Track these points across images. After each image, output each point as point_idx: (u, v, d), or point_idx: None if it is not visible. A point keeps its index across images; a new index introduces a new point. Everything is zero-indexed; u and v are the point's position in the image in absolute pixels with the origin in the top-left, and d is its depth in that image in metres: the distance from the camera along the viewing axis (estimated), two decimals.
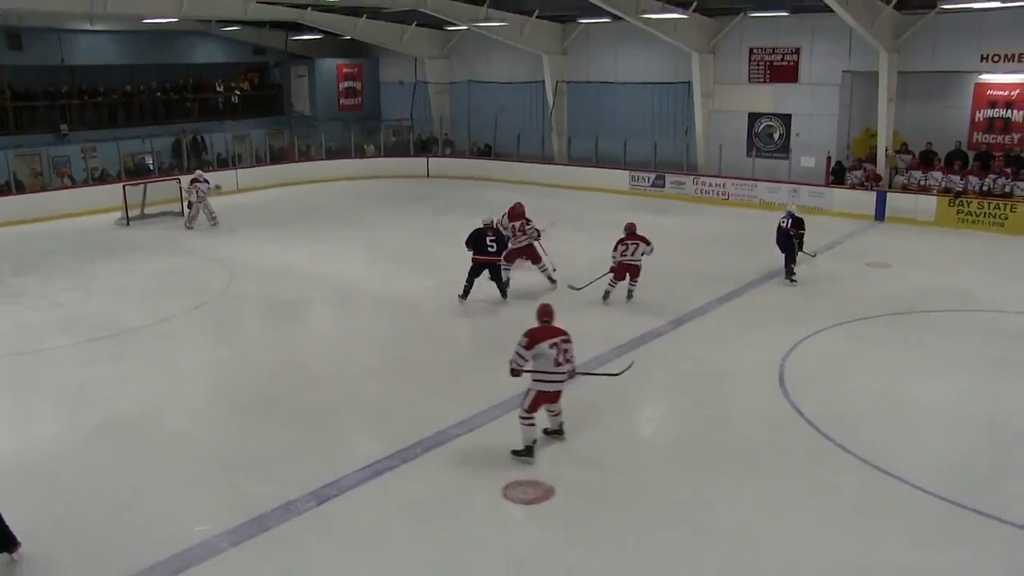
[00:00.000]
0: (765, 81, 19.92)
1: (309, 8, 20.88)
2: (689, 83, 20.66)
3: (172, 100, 24.67)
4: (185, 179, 18.14)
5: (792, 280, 12.89)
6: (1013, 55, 16.67)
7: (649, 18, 17.68)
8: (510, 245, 12.09)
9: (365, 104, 27.48)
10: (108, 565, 5.92)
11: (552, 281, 12.51)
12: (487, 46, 23.59)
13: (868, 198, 17.71)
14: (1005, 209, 16.30)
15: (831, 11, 15.98)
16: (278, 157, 24.09)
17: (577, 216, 17.64)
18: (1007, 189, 16.56)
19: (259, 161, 23.57)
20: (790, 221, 12.98)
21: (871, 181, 18.08)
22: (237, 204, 19.80)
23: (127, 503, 6.73)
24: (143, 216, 18.06)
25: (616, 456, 7.47)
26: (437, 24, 23.35)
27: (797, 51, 19.30)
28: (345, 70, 27.10)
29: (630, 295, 12.00)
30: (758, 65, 19.94)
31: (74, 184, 20.14)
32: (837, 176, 18.63)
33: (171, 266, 14.40)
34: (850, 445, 7.50)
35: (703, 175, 20.38)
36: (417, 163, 24.39)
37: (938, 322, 11.06)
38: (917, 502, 6.63)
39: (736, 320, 11.22)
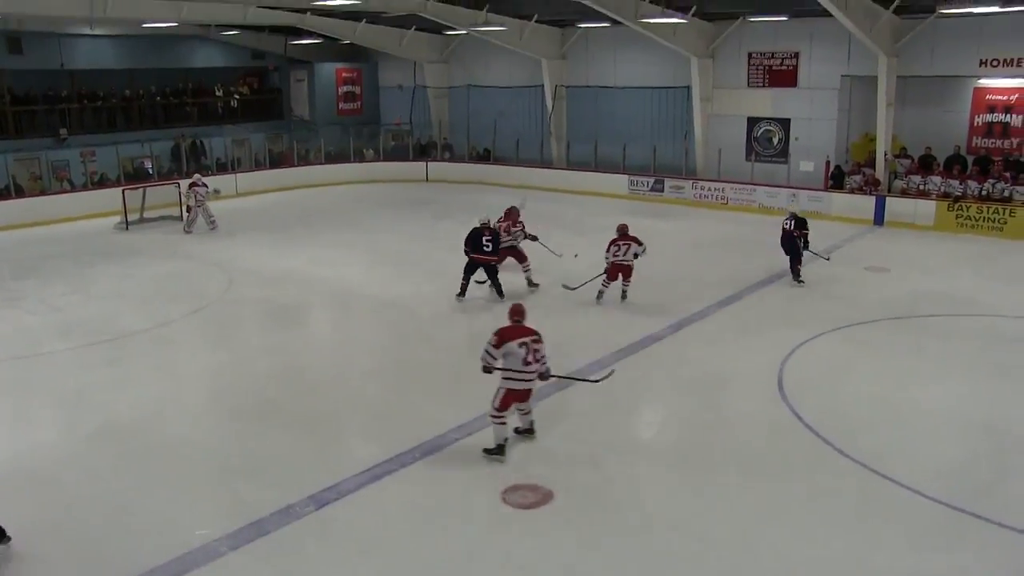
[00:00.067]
0: (764, 85, 19.96)
1: (308, 13, 20.91)
2: (688, 87, 20.70)
3: (171, 104, 24.70)
4: (184, 183, 18.14)
5: (800, 281, 12.98)
6: (1012, 59, 16.70)
7: (648, 22, 17.71)
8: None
9: (364, 108, 27.51)
10: (107, 569, 5.91)
11: (532, 284, 12.59)
12: (486, 50, 23.62)
13: (867, 202, 17.73)
14: (1004, 213, 16.31)
15: (830, 16, 16.02)
16: (277, 161, 24.08)
17: (576, 220, 17.66)
18: (1006, 193, 16.57)
19: (258, 165, 23.57)
20: (793, 222, 13.06)
21: (870, 185, 18.11)
22: (236, 208, 19.80)
23: (126, 507, 6.71)
24: (142, 220, 18.04)
25: (615, 460, 7.46)
26: (436, 28, 23.39)
27: (796, 55, 19.34)
28: (344, 74, 27.14)
29: (624, 296, 12.09)
30: (757, 69, 19.97)
31: (73, 188, 20.15)
32: (836, 180, 18.65)
33: (170, 270, 14.39)
34: (849, 449, 7.49)
35: (702, 179, 20.39)
36: (416, 167, 24.42)
37: (937, 326, 11.06)
38: (916, 506, 6.62)
39: (735, 324, 11.22)
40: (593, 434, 7.96)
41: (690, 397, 9.00)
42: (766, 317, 11.51)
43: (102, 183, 20.46)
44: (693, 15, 18.57)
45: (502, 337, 7.12)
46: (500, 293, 12.13)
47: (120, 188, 18.55)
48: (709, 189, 20.03)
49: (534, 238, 13.63)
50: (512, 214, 13.13)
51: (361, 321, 11.86)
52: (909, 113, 18.35)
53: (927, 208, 17.14)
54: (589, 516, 6.56)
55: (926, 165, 17.95)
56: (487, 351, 7.16)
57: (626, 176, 21.25)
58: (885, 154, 18.10)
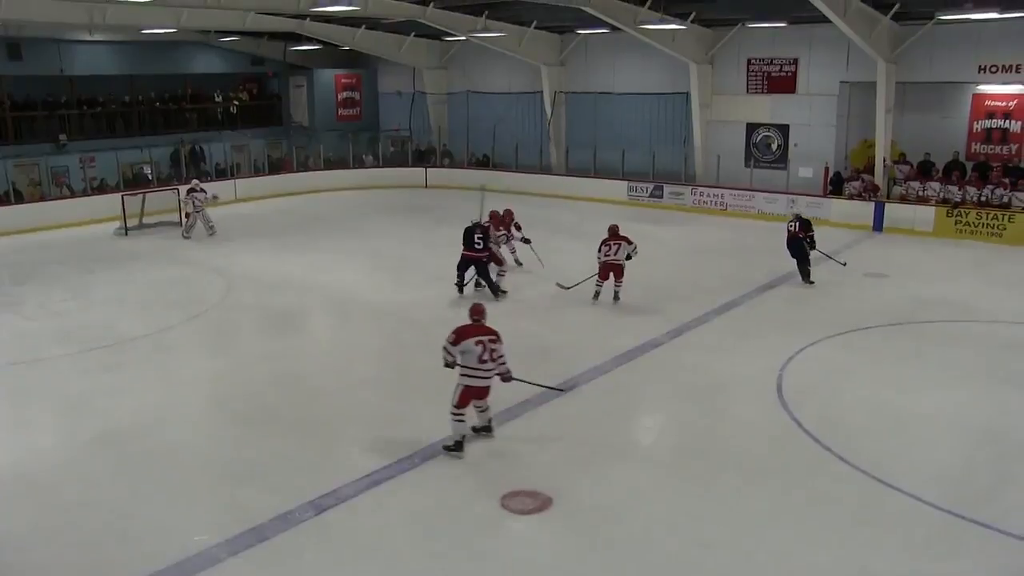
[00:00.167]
0: (763, 91, 20.00)
1: (308, 19, 20.94)
2: (687, 94, 20.73)
3: (171, 110, 24.75)
4: (184, 189, 18.14)
5: (810, 282, 13.12)
6: (1010, 66, 16.74)
7: (647, 29, 17.74)
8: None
9: (363, 114, 27.56)
10: (106, 575, 5.88)
11: (496, 293, 12.50)
12: (485, 57, 23.67)
13: (866, 209, 17.75)
14: (1003, 219, 16.33)
15: (829, 22, 16.07)
16: (276, 167, 24.11)
17: (575, 225, 17.67)
18: (1005, 200, 16.59)
19: (257, 171, 23.62)
20: (798, 224, 13.21)
21: (869, 192, 18.12)
22: (235, 214, 19.81)
23: (125, 513, 6.69)
24: (141, 226, 18.03)
25: (614, 466, 7.44)
26: (435, 35, 23.45)
27: (795, 62, 19.39)
28: (343, 80, 27.19)
29: (616, 297, 12.22)
30: (756, 76, 20.02)
31: (73, 194, 20.13)
32: (835, 186, 18.67)
33: (169, 276, 14.38)
34: (848, 455, 7.48)
35: (701, 185, 20.41)
36: (415, 173, 24.42)
37: (936, 332, 11.05)
38: (916, 512, 6.60)
39: (734, 330, 11.22)
40: (592, 439, 7.94)
41: (689, 403, 8.98)
42: (765, 323, 11.51)
43: (101, 189, 20.47)
44: (692, 21, 18.60)
45: (459, 335, 7.36)
46: (494, 292, 12.41)
47: (119, 194, 18.55)
48: (708, 195, 20.04)
49: (527, 241, 13.93)
50: (495, 218, 13.42)
51: (360, 327, 11.85)
52: (908, 119, 18.37)
53: (926, 214, 17.15)
54: (588, 522, 6.54)
55: (925, 171, 17.97)
56: (445, 347, 7.41)
57: (625, 182, 21.27)
58: (884, 160, 18.12)
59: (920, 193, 17.67)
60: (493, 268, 12.83)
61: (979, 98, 17.89)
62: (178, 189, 18.70)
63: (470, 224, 12.36)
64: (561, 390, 8.37)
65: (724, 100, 20.58)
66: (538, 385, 8.38)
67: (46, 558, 6.11)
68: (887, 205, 17.68)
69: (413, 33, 23.79)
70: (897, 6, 16.23)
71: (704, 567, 6.01)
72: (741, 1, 17.30)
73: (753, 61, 19.97)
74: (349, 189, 23.37)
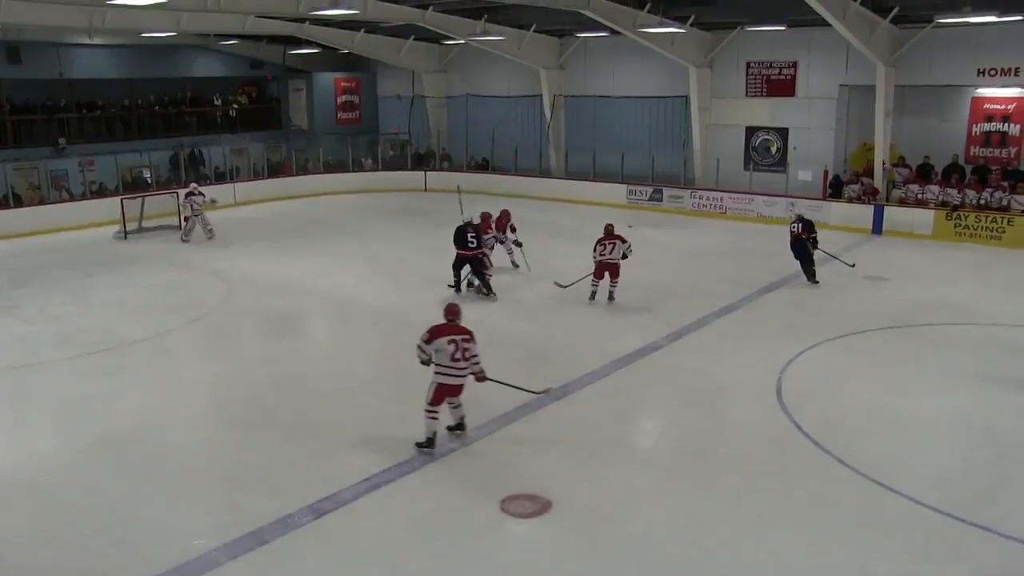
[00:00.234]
0: (762, 95, 20.02)
1: (307, 23, 20.96)
2: (686, 97, 20.75)
3: (170, 114, 24.74)
4: (183, 192, 18.13)
5: (815, 282, 13.27)
6: (1009, 69, 16.77)
7: (646, 32, 17.76)
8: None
9: (363, 118, 27.57)
10: None
11: (487, 293, 12.71)
12: (484, 60, 23.69)
13: (866, 212, 17.76)
14: (1002, 222, 16.34)
15: (828, 25, 16.09)
16: (276, 171, 24.12)
17: (575, 228, 17.65)
18: (1004, 203, 16.61)
19: (257, 175, 23.61)
20: (800, 225, 13.33)
21: (868, 195, 18.13)
22: (235, 218, 19.80)
23: (124, 516, 6.68)
24: (141, 230, 18.03)
25: (614, 469, 7.44)
26: (435, 38, 23.45)
27: (794, 65, 19.41)
28: (343, 84, 27.20)
29: (611, 296, 12.35)
30: (755, 79, 20.04)
31: (72, 198, 20.11)
32: (834, 190, 18.69)
33: (169, 280, 14.37)
34: (848, 458, 7.48)
35: (700, 189, 20.42)
36: (415, 177, 24.43)
37: (936, 335, 11.05)
38: (916, 515, 6.60)
39: (734, 333, 11.22)
40: (592, 442, 7.93)
41: (689, 406, 8.98)
42: (765, 326, 11.51)
43: (101, 192, 20.48)
44: (691, 25, 18.62)
45: (433, 334, 7.51)
46: (488, 290, 12.63)
47: (119, 197, 18.56)
48: (707, 198, 20.05)
49: (518, 244, 14.13)
50: (486, 220, 13.62)
51: (359, 330, 11.85)
52: (907, 122, 18.40)
53: (925, 217, 17.16)
54: (588, 525, 6.54)
55: (924, 174, 17.99)
56: (419, 345, 7.57)
57: (625, 186, 21.27)
58: (883, 163, 18.13)
59: (919, 196, 17.69)
60: (505, 268, 13.03)
61: (978, 101, 17.92)
62: (177, 193, 18.70)
63: (462, 223, 12.60)
64: (538, 392, 8.35)
65: (723, 103, 20.59)
66: (515, 387, 8.28)
67: (45, 562, 6.09)
68: (886, 208, 17.68)
69: (412, 37, 23.82)
70: (896, 9, 16.26)
71: (704, 570, 6.00)
72: (740, 4, 17.34)
73: (752, 64, 19.99)
74: (348, 193, 23.38)
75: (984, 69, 17.03)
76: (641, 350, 10.42)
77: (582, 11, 16.92)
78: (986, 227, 16.52)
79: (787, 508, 6.78)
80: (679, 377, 9.72)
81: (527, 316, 12.15)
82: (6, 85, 21.36)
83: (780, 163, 20.02)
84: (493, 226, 13.92)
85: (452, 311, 7.72)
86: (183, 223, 17.72)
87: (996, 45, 16.61)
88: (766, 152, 20.33)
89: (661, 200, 20.69)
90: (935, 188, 17.50)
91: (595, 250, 12.30)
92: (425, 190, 24.04)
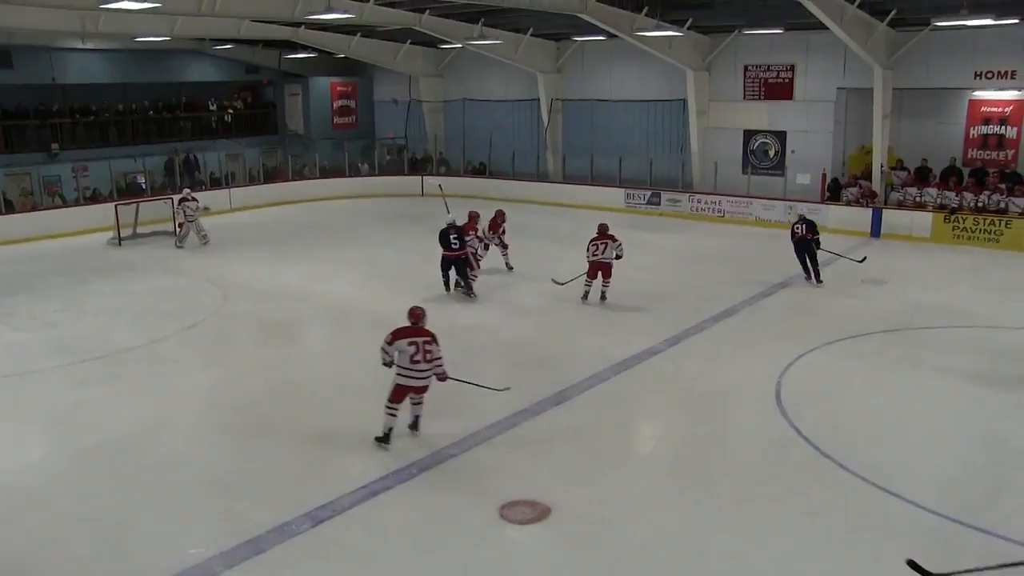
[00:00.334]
0: (760, 98, 20.02)
1: (303, 27, 20.92)
2: (684, 100, 20.73)
3: (165, 119, 24.68)
4: (178, 199, 18.03)
5: (820, 281, 13.39)
6: (1006, 72, 16.79)
7: (644, 36, 17.74)
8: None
9: (359, 123, 27.53)
10: None
11: (469, 294, 12.94)
12: (481, 64, 23.67)
13: (864, 215, 17.72)
14: (1000, 225, 16.34)
15: (825, 28, 16.09)
16: (272, 176, 24.04)
17: (573, 233, 17.56)
18: (1001, 205, 16.60)
19: (252, 180, 23.52)
20: (805, 227, 13.42)
21: (867, 198, 18.11)
22: (230, 224, 19.72)
23: (119, 526, 6.59)
24: (135, 236, 17.92)
25: (613, 475, 7.38)
26: (431, 42, 23.44)
27: (792, 68, 19.41)
28: (339, 88, 27.16)
29: (603, 296, 12.43)
30: (753, 82, 20.03)
31: (65, 204, 20.03)
32: (833, 193, 18.66)
33: (164, 286, 14.26)
34: (848, 462, 7.44)
35: (699, 192, 20.39)
36: (411, 182, 24.35)
37: (935, 339, 11.02)
38: (916, 519, 6.56)
39: (732, 338, 11.17)
40: (591, 449, 7.88)
41: (688, 411, 8.94)
42: (764, 330, 11.46)
43: (95, 198, 20.36)
44: (689, 28, 18.61)
45: (395, 335, 7.68)
46: (468, 290, 12.87)
47: (113, 203, 18.43)
48: (706, 202, 20.01)
49: (505, 245, 14.40)
50: (470, 222, 13.75)
51: (356, 336, 11.72)
52: (905, 125, 18.41)
53: (923, 220, 17.15)
54: (588, 531, 6.48)
55: (922, 177, 17.98)
56: (382, 348, 7.74)
57: (623, 190, 21.23)
58: (881, 166, 18.12)
59: (917, 199, 17.67)
60: (495, 269, 13.09)
61: (975, 104, 17.94)
62: (172, 199, 18.59)
63: (445, 226, 12.85)
64: (499, 390, 8.42)
65: (721, 107, 20.58)
66: (476, 385, 8.34)
67: (38, 572, 6.01)
68: (884, 211, 17.66)
69: (409, 41, 23.79)
70: (893, 12, 16.28)
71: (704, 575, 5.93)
72: (738, 8, 17.33)
73: (750, 68, 19.99)
74: (345, 198, 23.29)
75: (981, 72, 17.03)
76: (640, 355, 10.36)
77: (579, 15, 16.89)
78: (984, 230, 16.51)
79: (787, 513, 6.73)
80: (678, 382, 9.67)
81: (525, 320, 12.09)
82: None
83: (778, 166, 20.00)
84: (480, 226, 14.01)
85: (414, 314, 7.89)
86: (177, 229, 17.61)
87: (993, 48, 16.63)
88: (764, 155, 20.31)
89: (659, 204, 20.65)
90: (933, 191, 17.49)
91: (588, 250, 12.39)
92: (422, 195, 23.93)
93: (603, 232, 12.45)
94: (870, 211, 17.71)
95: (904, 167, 18.41)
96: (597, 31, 18.89)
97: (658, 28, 17.12)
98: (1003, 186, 16.82)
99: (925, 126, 18.40)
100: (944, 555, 6.07)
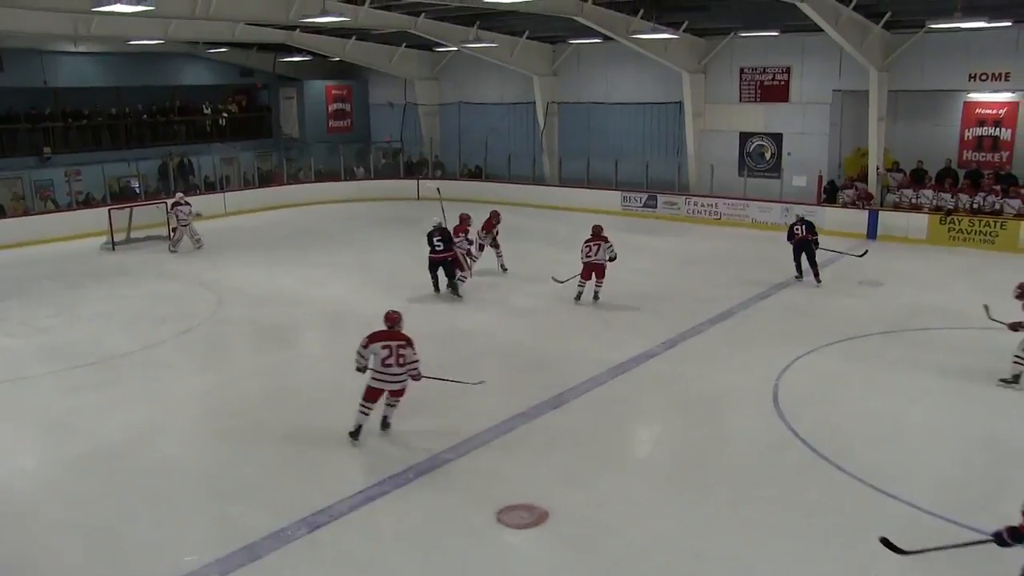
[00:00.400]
0: (756, 100, 20.01)
1: (297, 30, 20.85)
2: (680, 103, 20.72)
3: (159, 122, 24.54)
4: (171, 202, 17.93)
5: (819, 281, 13.64)
6: (1000, 74, 16.82)
7: (640, 38, 17.73)
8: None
9: (354, 126, 27.43)
10: None
11: (455, 294, 13.15)
12: (477, 67, 23.63)
13: (860, 217, 17.73)
14: (995, 226, 16.36)
15: (821, 31, 16.11)
16: (266, 180, 23.94)
17: (570, 236, 17.52)
18: (997, 207, 16.63)
19: (247, 184, 23.42)
20: (804, 228, 13.55)
21: (863, 200, 18.11)
22: (225, 227, 19.64)
23: (113, 533, 6.52)
24: (129, 240, 17.81)
25: (610, 479, 7.35)
26: (427, 45, 23.40)
27: (788, 70, 19.41)
28: (334, 92, 27.08)
29: (596, 296, 12.61)
30: (749, 85, 20.03)
31: (58, 208, 19.89)
32: (829, 195, 18.67)
33: (158, 291, 14.18)
34: (846, 464, 7.43)
35: (695, 195, 20.37)
36: (407, 185, 24.28)
37: (932, 340, 11.02)
38: (914, 520, 6.52)
39: (730, 340, 11.15)
40: (588, 452, 7.85)
41: (685, 414, 8.92)
42: (760, 333, 11.44)
43: (88, 203, 20.23)
44: (684, 31, 18.60)
45: (371, 339, 7.87)
46: (454, 291, 13.06)
47: (106, 208, 18.32)
48: (702, 205, 20.00)
49: (495, 245, 14.50)
50: (460, 224, 13.77)
51: (352, 341, 11.40)
52: (900, 127, 18.43)
53: (919, 222, 17.16)
54: (585, 535, 6.44)
55: (918, 179, 17.99)
56: (357, 351, 7.90)
57: (619, 192, 21.21)
58: (877, 168, 18.13)
59: (913, 201, 17.69)
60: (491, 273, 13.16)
61: (970, 106, 17.96)
62: (166, 203, 18.47)
63: (431, 228, 13.04)
64: (473, 384, 8.64)
65: (717, 109, 20.57)
66: (449, 380, 8.51)
67: None
68: (881, 213, 17.67)
69: (404, 44, 23.74)
70: (888, 15, 16.30)
71: None
72: (733, 10, 17.32)
73: (746, 70, 19.98)
74: (340, 201, 23.23)
75: (975, 74, 17.06)
76: (637, 357, 10.33)
77: (575, 18, 16.86)
78: (979, 231, 16.53)
79: (785, 515, 6.71)
80: (675, 384, 9.65)
81: (522, 323, 12.06)
82: None
83: (775, 168, 19.99)
84: (471, 228, 14.06)
85: (390, 318, 8.03)
86: (171, 234, 17.51)
87: (987, 50, 16.65)
88: (760, 158, 20.30)
89: (656, 207, 20.63)
90: (929, 192, 17.51)
91: (582, 251, 12.54)
92: (418, 199, 23.85)
93: (597, 234, 12.56)
94: (866, 213, 17.72)
95: (900, 169, 18.42)
96: (593, 34, 18.87)
97: (654, 31, 17.11)
98: (998, 188, 16.85)
99: (920, 128, 18.41)
100: (943, 557, 6.03)
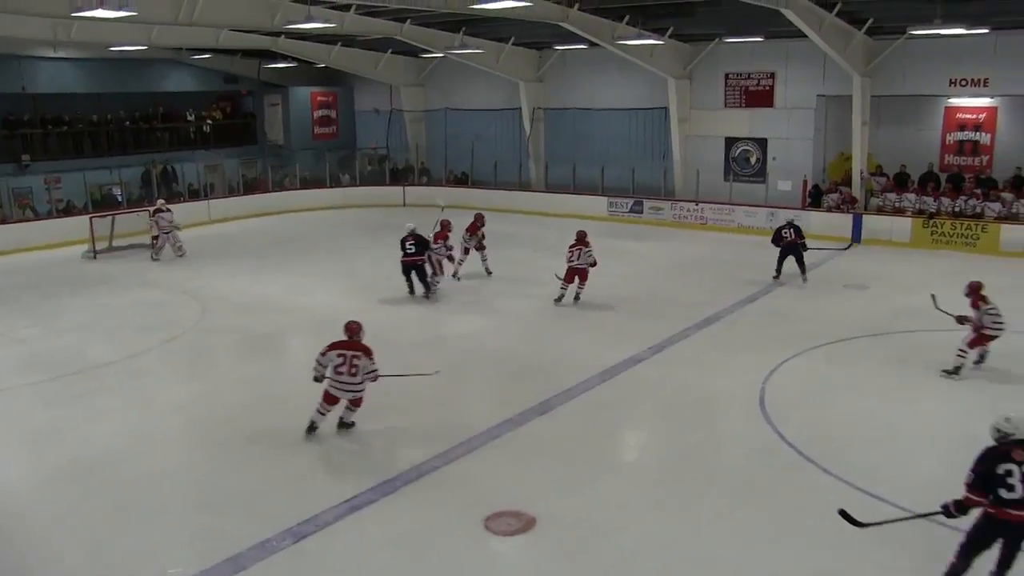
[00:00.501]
0: (741, 106, 20.11)
1: (282, 36, 20.78)
2: (666, 108, 20.80)
3: (141, 129, 24.33)
4: (152, 210, 17.73)
5: (805, 280, 14.10)
6: (979, 79, 17.05)
7: (625, 44, 17.79)
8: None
9: (340, 133, 27.34)
10: None
11: (426, 296, 13.47)
12: (463, 73, 23.62)
13: (844, 221, 17.84)
14: (976, 229, 16.52)
15: (805, 37, 16.22)
16: (251, 187, 23.78)
17: (556, 242, 17.49)
18: (978, 210, 16.80)
19: (232, 191, 23.25)
20: (794, 232, 13.98)
21: (847, 204, 18.23)
22: (210, 235, 19.51)
23: (96, 545, 6.43)
24: (111, 249, 17.62)
25: (598, 484, 7.32)
26: (412, 52, 23.37)
27: (772, 76, 19.52)
28: (319, 98, 26.98)
29: (577, 297, 12.86)
30: (734, 90, 20.13)
31: (37, 216, 19.63)
32: (814, 199, 18.77)
33: (141, 300, 14.03)
34: (833, 467, 7.44)
35: (681, 200, 20.43)
36: (393, 192, 24.22)
37: (916, 342, 11.07)
38: (902, 523, 6.48)
39: (716, 344, 11.16)
40: (576, 458, 7.82)
41: (673, 418, 8.91)
42: (747, 337, 11.46)
43: (68, 211, 20.00)
44: (669, 36, 18.67)
45: (329, 347, 8.10)
46: (426, 291, 13.39)
47: (88, 216, 18.08)
48: (688, 210, 20.06)
49: (480, 248, 14.62)
50: (441, 231, 13.95)
51: None
52: (883, 132, 18.57)
53: (903, 225, 17.30)
54: (573, 541, 6.41)
55: (901, 183, 18.13)
56: (316, 359, 8.12)
57: (605, 198, 21.23)
58: (861, 172, 18.25)
59: (897, 204, 17.82)
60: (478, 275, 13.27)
61: (951, 111, 18.14)
62: (149, 211, 18.30)
63: (405, 234, 13.44)
64: (429, 374, 8.94)
65: (702, 114, 20.66)
66: (407, 375, 8.74)
67: None
68: (865, 217, 17.80)
69: (390, 50, 23.71)
70: (870, 21, 16.45)
71: None
72: (718, 16, 17.41)
73: (731, 75, 20.08)
74: (326, 209, 23.08)
75: (956, 79, 17.28)
76: (624, 363, 10.32)
77: (560, 24, 16.90)
78: (961, 234, 16.69)
79: (773, 518, 6.71)
80: (662, 389, 9.64)
81: (509, 328, 12.04)
82: None
83: (760, 173, 20.09)
84: (451, 233, 14.15)
85: (349, 328, 8.21)
86: (153, 242, 17.33)
87: (967, 56, 16.85)
88: (746, 163, 20.40)
89: (642, 212, 20.67)
90: (912, 196, 17.65)
91: (566, 255, 12.85)
92: (404, 205, 23.81)
93: (580, 239, 12.83)
94: (851, 217, 17.83)
95: (883, 173, 18.56)
96: (579, 40, 18.90)
97: (639, 37, 17.17)
98: (979, 191, 17.03)
99: (903, 132, 18.56)
100: (932, 558, 6.05)
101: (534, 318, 12.52)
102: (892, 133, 18.58)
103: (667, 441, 8.51)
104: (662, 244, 18.04)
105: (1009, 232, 16.24)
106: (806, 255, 14.17)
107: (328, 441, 8.34)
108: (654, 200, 20.64)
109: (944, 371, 9.74)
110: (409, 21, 18.95)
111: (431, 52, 22.10)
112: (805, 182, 19.08)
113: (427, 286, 13.43)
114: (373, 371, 8.05)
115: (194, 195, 22.30)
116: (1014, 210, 16.60)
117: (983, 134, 17.85)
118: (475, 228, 14.71)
